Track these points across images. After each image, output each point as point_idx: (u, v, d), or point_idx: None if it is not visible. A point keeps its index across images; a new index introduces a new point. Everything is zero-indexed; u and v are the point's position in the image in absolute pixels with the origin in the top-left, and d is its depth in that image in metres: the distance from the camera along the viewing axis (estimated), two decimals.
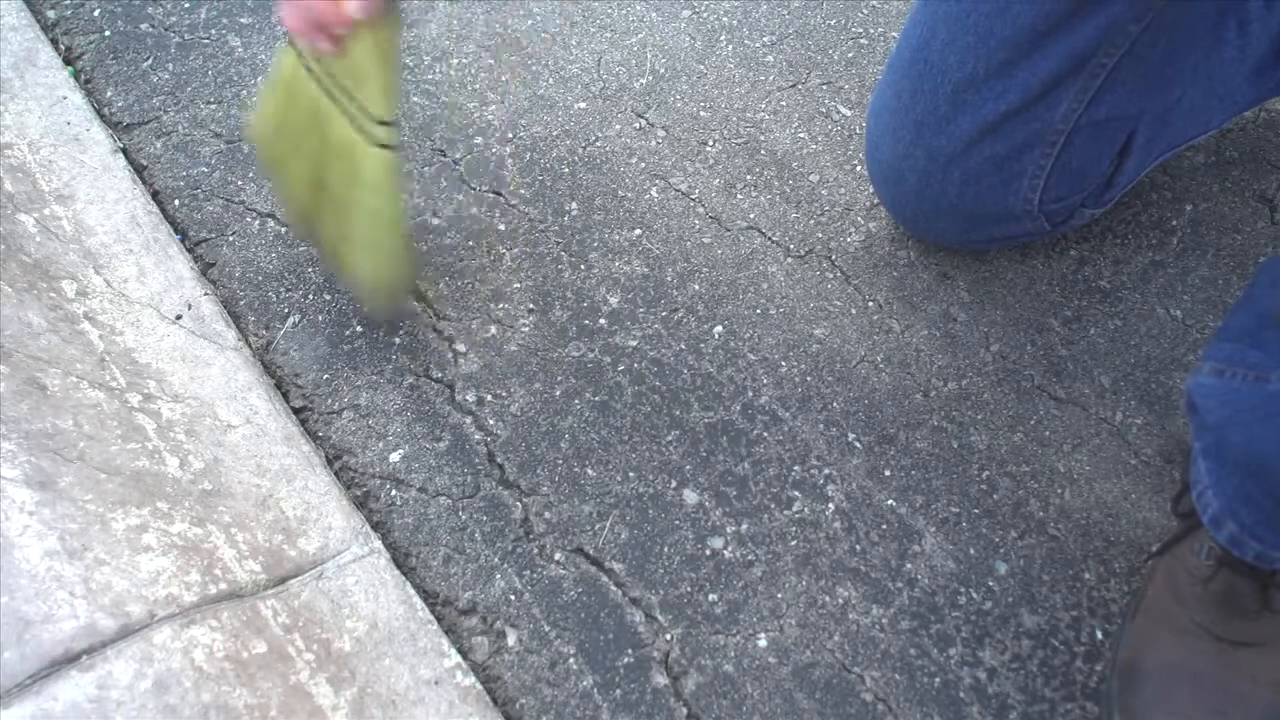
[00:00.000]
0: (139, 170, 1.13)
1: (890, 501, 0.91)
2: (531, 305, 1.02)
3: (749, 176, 1.12)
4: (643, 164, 1.12)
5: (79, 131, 1.15)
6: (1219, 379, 0.75)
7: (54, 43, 1.24)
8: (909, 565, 0.88)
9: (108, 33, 1.25)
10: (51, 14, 1.27)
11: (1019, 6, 0.82)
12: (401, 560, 0.90)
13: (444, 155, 1.13)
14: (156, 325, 1.01)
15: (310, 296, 1.03)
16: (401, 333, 1.01)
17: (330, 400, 0.98)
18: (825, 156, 1.13)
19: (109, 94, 1.19)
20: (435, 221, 1.08)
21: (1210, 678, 0.77)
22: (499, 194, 1.10)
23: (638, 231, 1.07)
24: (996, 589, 0.87)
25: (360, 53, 0.80)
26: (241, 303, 1.04)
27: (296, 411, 0.97)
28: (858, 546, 0.89)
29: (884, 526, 0.90)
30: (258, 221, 1.09)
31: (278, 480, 0.92)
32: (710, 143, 1.14)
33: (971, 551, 0.89)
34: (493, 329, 1.01)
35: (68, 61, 1.23)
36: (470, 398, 0.97)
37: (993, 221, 0.97)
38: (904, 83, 0.91)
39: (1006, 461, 0.93)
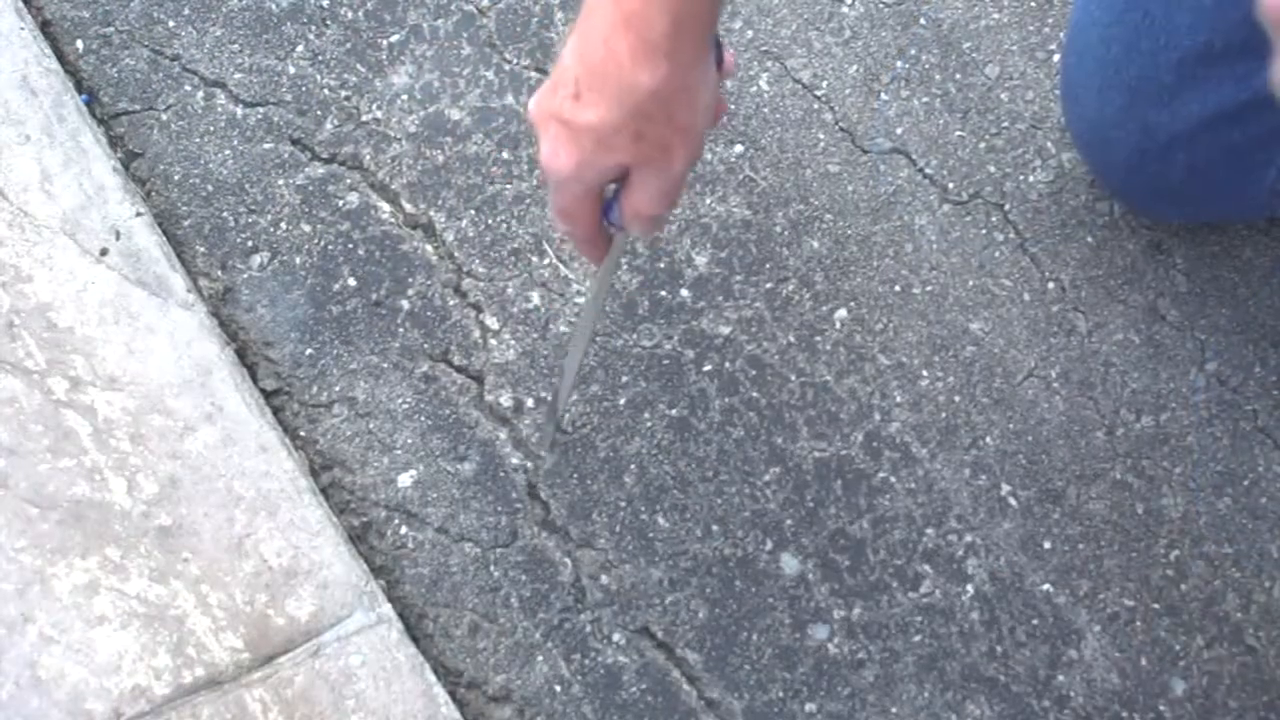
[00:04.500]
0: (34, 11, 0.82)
1: (1046, 586, 0.73)
2: (588, 260, 0.77)
3: (900, 63, 0.81)
4: (750, 32, 0.81)
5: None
6: None
7: None
8: (1061, 677, 0.72)
9: None
10: None
11: None
12: (415, 623, 0.73)
13: (466, 1, 0.81)
14: (76, 265, 0.76)
15: (284, 226, 0.78)
16: (411, 293, 0.77)
17: (315, 387, 0.76)
18: (1012, 33, 0.82)
19: None
20: (455, 115, 0.80)
21: None
22: (544, 71, 0.80)
23: (739, 148, 0.79)
24: (1169, 715, 0.72)
25: None
26: (186, 223, 0.78)
27: (268, 396, 0.76)
28: (999, 648, 0.73)
29: (1035, 621, 0.73)
30: (201, 92, 0.80)
31: (255, 513, 0.73)
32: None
33: (1143, 662, 0.73)
34: (535, 296, 0.77)
35: None
36: (505, 400, 0.75)
37: (1225, 206, 0.74)
38: (1115, 29, 0.71)
39: (1204, 538, 0.74)
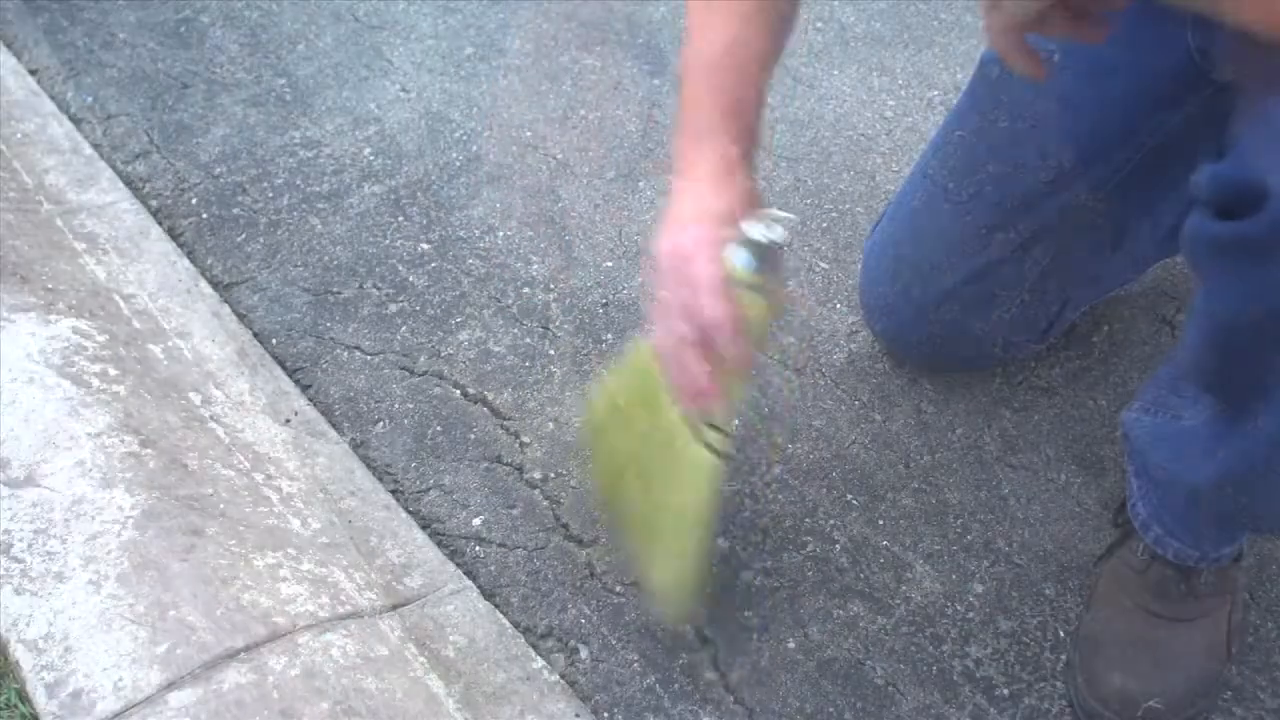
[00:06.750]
0: (240, 317, 1.47)
1: (884, 542, 1.21)
2: (581, 408, 1.34)
3: None
4: None
5: (189, 286, 1.49)
6: (1147, 415, 1.08)
7: (159, 223, 1.60)
8: (904, 587, 1.17)
9: (204, 215, 1.62)
10: (154, 203, 1.64)
11: (970, 218, 1.18)
12: (488, 597, 1.17)
13: (499, 301, 1.48)
14: (269, 426, 1.31)
15: (396, 405, 1.35)
16: (475, 430, 1.32)
17: (418, 482, 1.27)
18: (810, 300, 1.50)
19: (209, 261, 1.55)
20: (496, 349, 1.42)
21: (1153, 644, 1.06)
22: (546, 328, 1.45)
23: None
24: (976, 603, 1.16)
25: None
26: (337, 412, 1.35)
27: (390, 494, 1.27)
28: (861, 575, 1.18)
29: (881, 560, 1.20)
30: (346, 353, 1.42)
31: (382, 537, 1.21)
32: None
33: (953, 577, 1.18)
34: (550, 425, 1.33)
35: (172, 237, 1.58)
36: (537, 475, 1.27)
37: (966, 351, 1.33)
38: (904, 233, 1.27)
39: (976, 512, 1.25)
